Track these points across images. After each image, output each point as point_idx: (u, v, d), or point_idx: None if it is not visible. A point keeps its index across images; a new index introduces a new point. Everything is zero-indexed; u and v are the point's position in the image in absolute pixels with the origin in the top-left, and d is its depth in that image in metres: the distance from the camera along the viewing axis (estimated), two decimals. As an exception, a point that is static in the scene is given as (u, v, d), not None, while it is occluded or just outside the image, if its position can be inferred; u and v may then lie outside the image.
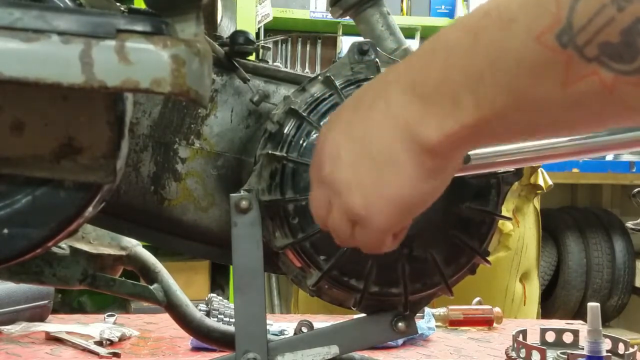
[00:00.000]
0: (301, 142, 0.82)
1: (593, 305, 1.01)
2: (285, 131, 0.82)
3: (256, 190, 0.82)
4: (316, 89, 0.84)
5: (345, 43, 3.37)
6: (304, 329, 0.90)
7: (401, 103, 0.59)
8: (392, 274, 0.82)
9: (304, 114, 0.82)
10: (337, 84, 0.83)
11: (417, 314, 0.89)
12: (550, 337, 1.25)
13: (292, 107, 0.83)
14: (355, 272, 0.82)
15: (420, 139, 0.58)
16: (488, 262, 0.86)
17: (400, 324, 0.85)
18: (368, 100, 0.62)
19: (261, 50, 0.97)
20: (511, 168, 0.82)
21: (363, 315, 0.87)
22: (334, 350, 0.85)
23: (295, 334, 0.91)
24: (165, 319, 1.32)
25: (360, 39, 0.89)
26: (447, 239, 0.84)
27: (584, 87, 0.50)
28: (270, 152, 0.82)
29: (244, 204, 0.81)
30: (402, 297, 0.84)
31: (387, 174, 0.60)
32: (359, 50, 0.85)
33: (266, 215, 0.82)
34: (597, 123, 0.54)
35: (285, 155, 0.81)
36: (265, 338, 0.83)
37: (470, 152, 0.73)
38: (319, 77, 0.85)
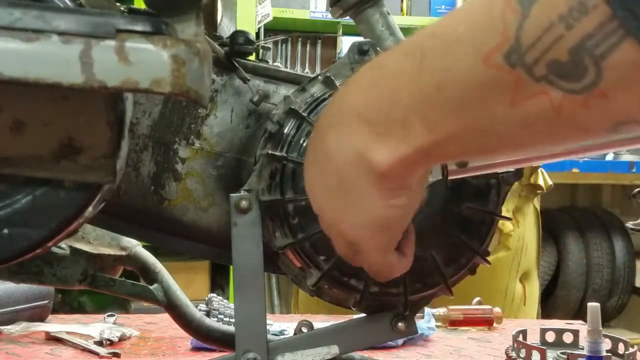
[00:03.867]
0: (301, 142, 0.81)
1: (593, 305, 1.01)
2: (285, 131, 0.82)
3: (256, 190, 0.82)
4: (316, 89, 0.84)
5: (345, 43, 3.37)
6: (304, 329, 0.90)
7: (351, 131, 0.59)
8: (392, 274, 0.82)
9: (304, 114, 0.82)
10: (337, 84, 0.83)
11: (417, 314, 0.89)
12: (550, 337, 1.25)
13: (292, 107, 0.83)
14: (355, 272, 0.82)
15: (374, 165, 0.57)
16: (488, 262, 0.86)
17: (400, 324, 0.85)
18: (323, 131, 0.62)
19: (261, 50, 0.97)
20: (511, 168, 0.82)
21: (363, 315, 0.87)
22: (334, 350, 0.85)
23: (295, 334, 0.90)
24: (165, 319, 1.32)
25: (360, 39, 0.89)
26: (447, 239, 0.84)
27: (533, 107, 0.49)
28: (270, 152, 0.82)
29: (244, 204, 0.81)
30: (402, 297, 0.84)
31: (352, 201, 0.61)
32: (359, 50, 0.85)
33: (266, 215, 0.82)
34: (549, 142, 0.53)
35: (285, 155, 0.81)
36: (265, 338, 0.83)
37: None
38: (319, 77, 0.85)
